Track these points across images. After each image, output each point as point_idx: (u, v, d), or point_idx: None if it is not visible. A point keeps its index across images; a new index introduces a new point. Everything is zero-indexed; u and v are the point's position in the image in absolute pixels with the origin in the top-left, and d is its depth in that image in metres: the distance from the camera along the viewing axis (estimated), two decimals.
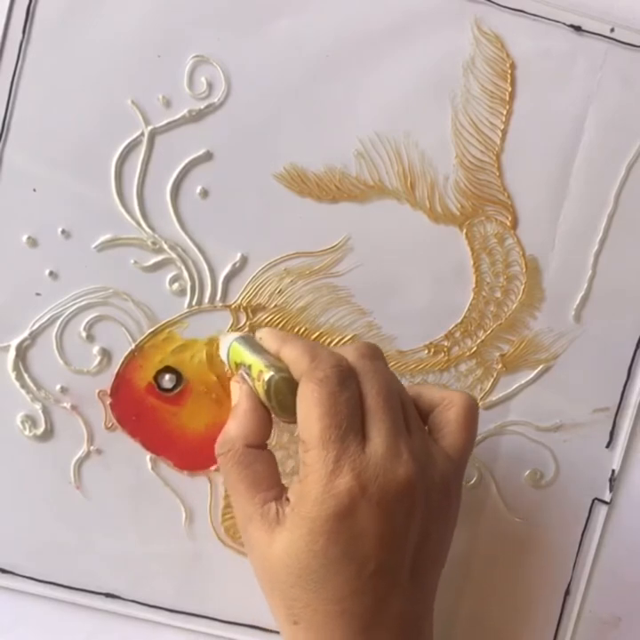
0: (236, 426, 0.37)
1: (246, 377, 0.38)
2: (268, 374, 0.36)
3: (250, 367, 0.37)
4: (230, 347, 0.39)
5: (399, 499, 0.34)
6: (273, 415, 0.37)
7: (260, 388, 0.36)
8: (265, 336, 0.38)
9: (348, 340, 0.44)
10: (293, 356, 0.36)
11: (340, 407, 0.34)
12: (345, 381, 0.35)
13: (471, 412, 0.38)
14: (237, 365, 0.39)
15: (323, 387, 0.34)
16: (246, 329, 0.43)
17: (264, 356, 0.37)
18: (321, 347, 0.36)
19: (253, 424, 0.37)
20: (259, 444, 0.37)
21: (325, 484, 0.33)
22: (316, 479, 0.34)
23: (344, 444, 0.34)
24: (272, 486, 0.36)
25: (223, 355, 0.41)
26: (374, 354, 0.37)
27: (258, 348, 0.38)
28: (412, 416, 0.37)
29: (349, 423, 0.34)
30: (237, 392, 0.38)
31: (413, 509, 0.35)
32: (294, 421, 0.36)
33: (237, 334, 0.40)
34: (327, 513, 0.33)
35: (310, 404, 0.34)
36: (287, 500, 0.35)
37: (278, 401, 0.36)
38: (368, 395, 0.35)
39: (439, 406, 0.38)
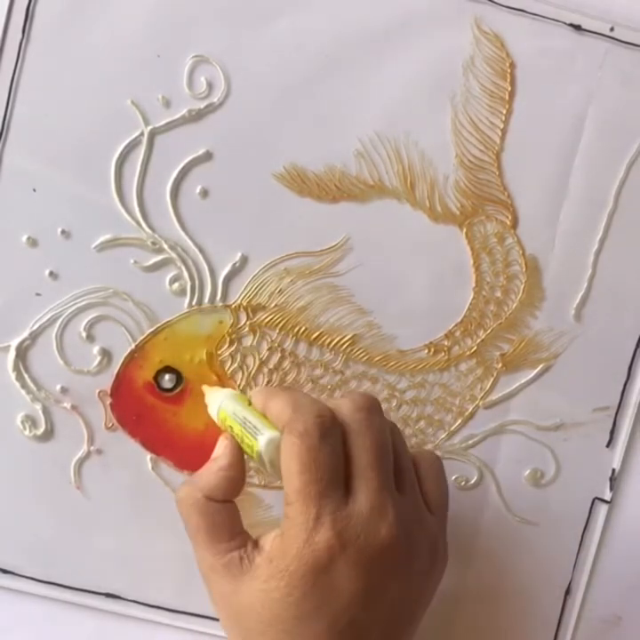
0: (205, 478, 0.36)
1: (239, 440, 0.37)
2: (259, 444, 0.35)
3: (240, 435, 0.37)
4: (219, 409, 0.39)
5: (379, 559, 0.34)
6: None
7: (254, 455, 0.36)
8: (254, 395, 0.38)
9: (348, 339, 0.44)
10: (277, 410, 0.35)
11: (321, 462, 0.33)
12: (326, 434, 0.34)
13: (440, 468, 0.38)
14: (228, 428, 0.38)
15: (303, 440, 0.33)
16: (246, 329, 0.43)
17: (253, 421, 0.36)
18: (304, 396, 0.36)
19: (223, 483, 0.36)
20: (221, 501, 0.36)
21: (305, 540, 0.33)
22: (296, 534, 0.33)
23: (325, 499, 0.33)
24: (234, 536, 0.36)
25: (212, 413, 0.40)
26: (371, 407, 0.36)
27: (247, 411, 0.37)
28: (408, 475, 0.36)
29: (330, 478, 0.34)
30: (222, 447, 0.37)
31: (393, 571, 0.34)
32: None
33: (225, 393, 0.40)
34: (305, 568, 0.33)
35: (291, 458, 0.34)
36: (255, 546, 0.35)
37: (272, 466, 0.35)
38: (357, 450, 0.34)
39: None
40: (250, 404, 0.38)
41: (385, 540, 0.34)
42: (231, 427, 0.37)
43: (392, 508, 0.34)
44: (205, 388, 0.42)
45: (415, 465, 0.37)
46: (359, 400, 0.36)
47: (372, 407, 0.36)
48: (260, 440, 0.35)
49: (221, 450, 0.37)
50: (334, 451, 0.34)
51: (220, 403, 0.39)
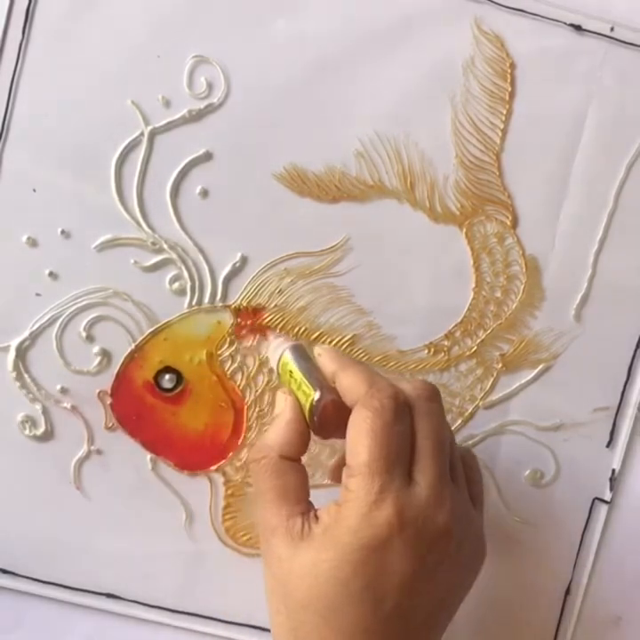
0: (275, 435, 0.37)
1: (294, 389, 0.38)
2: (317, 394, 0.36)
3: (299, 381, 0.37)
4: (282, 355, 0.39)
5: (433, 546, 0.34)
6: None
7: (306, 405, 0.36)
8: (324, 355, 0.38)
9: (348, 339, 0.44)
10: (350, 382, 0.36)
11: (392, 439, 0.34)
12: (400, 415, 0.34)
13: (478, 465, 0.39)
14: (287, 373, 0.39)
15: (377, 416, 0.34)
16: (246, 329, 0.43)
17: (316, 374, 0.37)
18: (379, 376, 0.36)
19: (292, 437, 0.36)
20: (293, 457, 0.37)
21: (365, 514, 0.33)
22: (357, 506, 0.33)
23: (390, 476, 0.33)
24: (300, 501, 0.36)
25: (273, 360, 0.41)
26: (432, 395, 0.36)
27: (310, 364, 0.38)
28: (458, 467, 0.37)
29: (398, 457, 0.34)
30: (282, 402, 0.37)
31: (444, 559, 0.34)
32: (327, 439, 0.37)
33: (291, 342, 0.41)
34: (360, 542, 0.33)
35: (361, 431, 0.34)
36: (315, 517, 0.35)
37: (322, 421, 0.36)
38: (420, 435, 0.35)
39: None
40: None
41: (441, 528, 0.34)
42: (291, 371, 0.38)
43: (449, 497, 0.34)
44: (271, 332, 0.43)
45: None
46: (426, 387, 0.36)
47: (436, 396, 0.36)
48: (320, 399, 0.36)
49: (283, 405, 0.37)
50: (404, 432, 0.34)
51: (284, 348, 0.39)
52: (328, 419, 0.36)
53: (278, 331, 0.43)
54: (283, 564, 0.35)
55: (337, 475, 0.39)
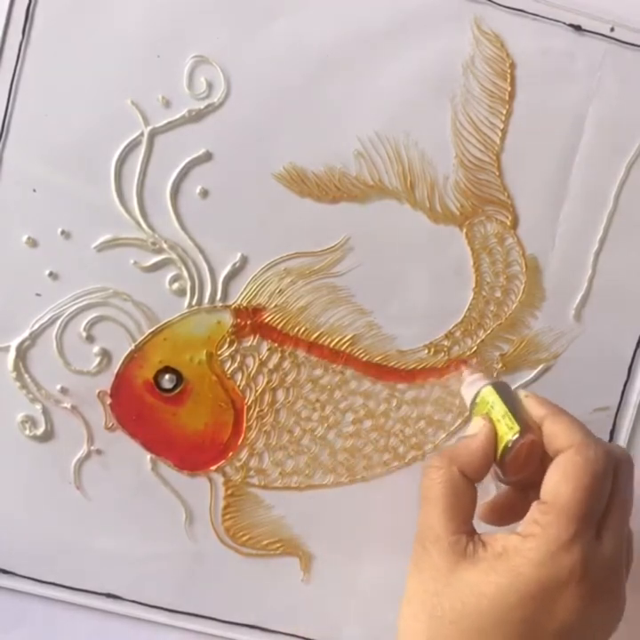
0: (463, 453, 0.37)
1: (494, 421, 0.38)
2: (521, 429, 0.36)
3: (500, 415, 0.37)
4: (483, 389, 0.40)
5: (600, 604, 0.34)
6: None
7: (505, 437, 0.36)
8: (532, 398, 0.38)
9: (348, 339, 0.44)
10: (563, 428, 0.36)
11: (596, 491, 0.34)
12: (608, 472, 0.35)
13: (632, 542, 0.38)
14: (487, 405, 0.39)
15: (589, 464, 0.34)
16: (246, 329, 0.43)
17: (521, 413, 0.37)
18: (589, 430, 0.36)
19: (479, 460, 0.37)
20: (471, 479, 0.37)
21: (552, 552, 0.33)
22: (544, 543, 0.33)
23: (585, 526, 0.34)
24: (467, 521, 0.36)
25: (468, 393, 0.41)
26: (632, 462, 0.37)
27: (516, 402, 0.38)
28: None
29: (596, 510, 0.34)
30: (480, 426, 0.38)
31: (603, 619, 0.35)
32: (507, 482, 0.37)
33: (491, 379, 0.41)
34: (538, 577, 0.33)
35: (569, 474, 0.34)
36: (481, 541, 0.35)
37: (516, 456, 0.36)
38: (616, 497, 0.35)
39: None
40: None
41: (613, 589, 0.34)
42: (493, 405, 0.38)
43: (625, 563, 0.35)
44: (465, 367, 0.44)
45: None
46: (627, 453, 0.37)
47: (631, 461, 0.37)
48: (522, 438, 0.36)
49: (479, 428, 0.37)
50: (606, 489, 0.35)
51: (485, 383, 0.40)
52: (522, 455, 0.36)
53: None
54: (439, 575, 0.35)
55: (490, 513, 0.40)
